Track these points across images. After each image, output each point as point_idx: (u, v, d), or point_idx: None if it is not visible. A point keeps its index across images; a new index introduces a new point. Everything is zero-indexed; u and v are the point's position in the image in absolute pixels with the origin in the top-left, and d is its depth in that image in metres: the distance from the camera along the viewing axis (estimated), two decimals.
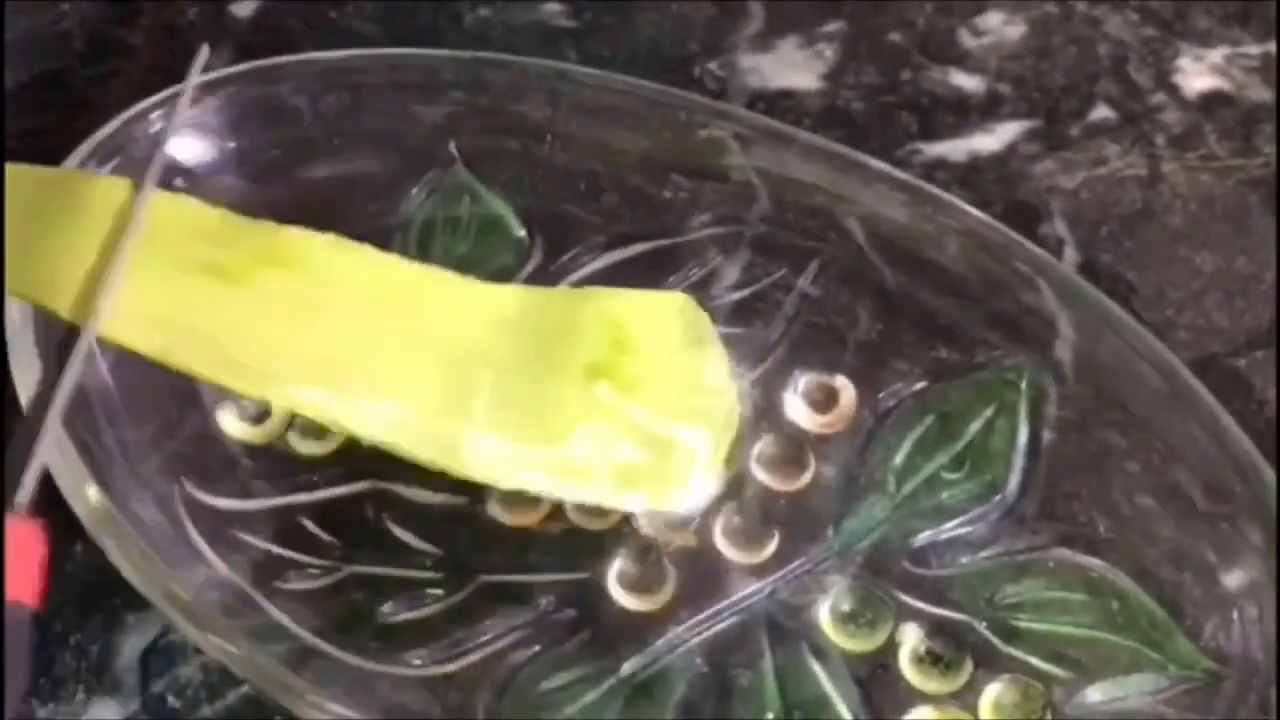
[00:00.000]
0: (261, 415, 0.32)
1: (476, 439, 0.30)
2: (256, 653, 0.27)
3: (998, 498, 0.31)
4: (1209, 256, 0.38)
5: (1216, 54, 0.43)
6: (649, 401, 0.31)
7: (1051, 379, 0.32)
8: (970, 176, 0.39)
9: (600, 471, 0.30)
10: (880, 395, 0.33)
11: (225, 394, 0.31)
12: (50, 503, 0.27)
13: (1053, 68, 0.42)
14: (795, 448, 0.32)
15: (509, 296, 0.32)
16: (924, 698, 0.29)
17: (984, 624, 0.30)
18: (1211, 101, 0.42)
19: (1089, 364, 0.32)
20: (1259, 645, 0.28)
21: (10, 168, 0.31)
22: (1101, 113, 0.41)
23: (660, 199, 0.35)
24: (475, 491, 0.30)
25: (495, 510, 0.31)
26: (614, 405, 0.30)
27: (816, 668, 0.29)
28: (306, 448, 0.31)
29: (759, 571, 0.30)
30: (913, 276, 0.34)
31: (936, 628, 0.30)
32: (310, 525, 0.30)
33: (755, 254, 0.35)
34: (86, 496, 0.28)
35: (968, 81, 0.42)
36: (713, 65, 0.42)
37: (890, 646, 0.29)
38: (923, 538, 0.31)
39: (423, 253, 0.35)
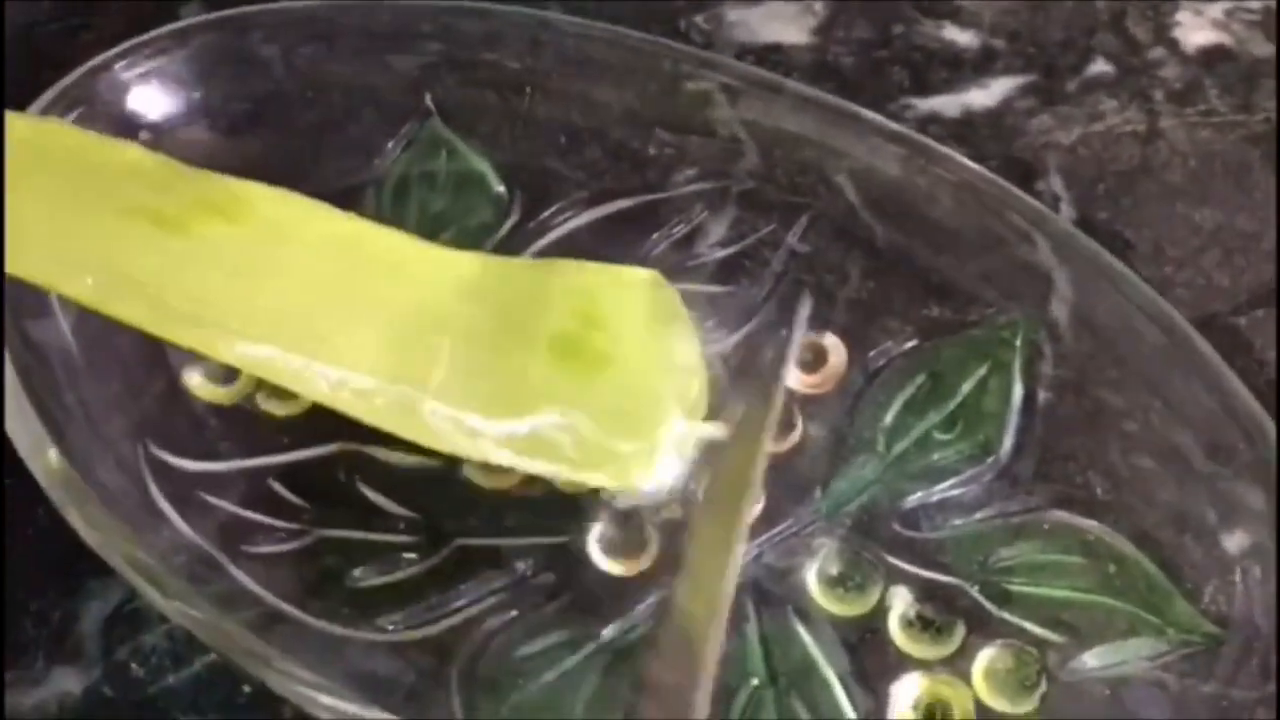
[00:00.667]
0: (230, 375, 0.31)
1: (434, 407, 0.28)
2: (223, 619, 0.26)
3: (991, 459, 0.30)
4: (1209, 214, 0.37)
5: (1216, 8, 0.42)
6: (616, 378, 0.30)
7: (1047, 337, 0.32)
8: (964, 132, 0.38)
9: (562, 447, 0.28)
10: (870, 354, 0.32)
11: (192, 354, 0.30)
12: (9, 466, 0.26)
13: (1048, 21, 0.41)
14: (783, 408, 0.31)
15: (472, 263, 0.31)
16: (914, 663, 0.28)
17: (976, 588, 0.29)
18: (1212, 56, 0.41)
19: (1086, 321, 0.31)
20: (1261, 609, 0.27)
21: None
22: (1099, 67, 0.40)
23: (644, 154, 0.34)
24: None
25: (471, 473, 0.29)
26: (579, 380, 0.29)
27: (803, 633, 0.28)
28: (275, 408, 0.30)
29: (746, 534, 0.29)
30: (905, 232, 0.33)
31: (927, 592, 0.29)
32: (279, 488, 0.29)
33: (742, 210, 0.34)
34: (46, 459, 0.27)
35: (961, 36, 0.41)
36: (699, 19, 0.41)
37: (879, 611, 0.28)
38: (913, 499, 0.30)
39: (398, 209, 0.34)
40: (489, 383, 0.29)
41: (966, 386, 0.31)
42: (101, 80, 0.32)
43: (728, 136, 0.34)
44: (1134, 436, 0.30)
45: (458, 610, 0.28)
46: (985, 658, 0.28)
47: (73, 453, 0.27)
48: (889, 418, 0.31)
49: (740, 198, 0.34)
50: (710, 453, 0.29)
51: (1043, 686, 0.27)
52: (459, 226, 0.33)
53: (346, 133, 0.34)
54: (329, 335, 0.29)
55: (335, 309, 0.29)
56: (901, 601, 0.29)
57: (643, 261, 0.33)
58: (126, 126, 0.32)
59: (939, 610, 0.28)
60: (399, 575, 0.28)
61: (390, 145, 0.34)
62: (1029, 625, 0.28)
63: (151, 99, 0.33)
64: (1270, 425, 0.29)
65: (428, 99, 0.34)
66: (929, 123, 0.38)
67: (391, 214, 0.33)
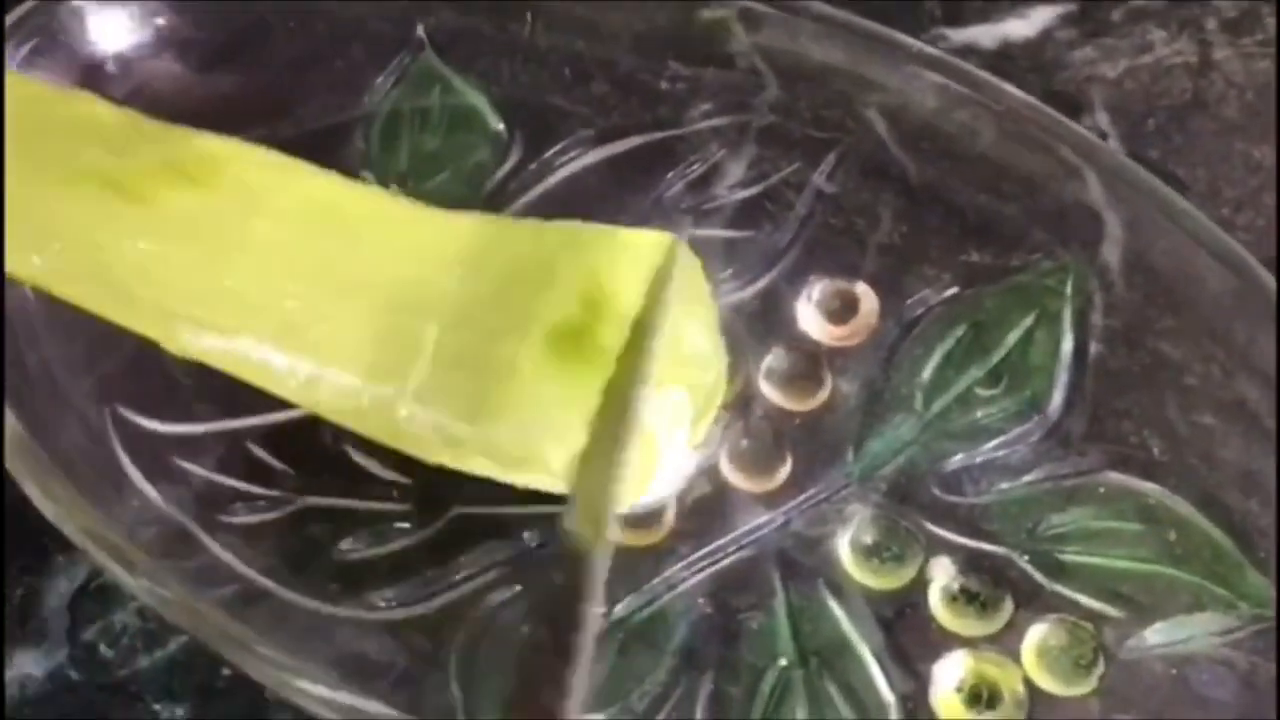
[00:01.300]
0: None
1: (413, 412, 0.25)
2: (197, 598, 0.24)
3: (1039, 416, 0.28)
4: (1268, 150, 0.34)
5: None
6: (616, 375, 0.25)
7: (1098, 283, 0.29)
8: (1002, 65, 0.36)
9: (551, 458, 0.25)
10: (905, 303, 0.29)
11: None
12: None
13: None
14: (810, 363, 0.28)
15: (466, 229, 0.27)
16: (958, 641, 0.25)
17: (1025, 558, 0.26)
18: None
19: (1141, 265, 0.29)
20: None
21: None
22: None
23: (656, 87, 0.31)
24: None
25: None
26: (576, 380, 0.26)
27: (835, 608, 0.26)
28: None
29: (770, 501, 0.27)
30: (941, 170, 0.30)
31: (972, 562, 0.26)
32: (260, 451, 0.27)
33: (763, 147, 0.31)
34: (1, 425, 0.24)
35: None
36: None
37: (919, 584, 0.26)
38: (955, 461, 0.27)
39: (388, 150, 0.31)
40: (475, 379, 0.26)
41: (1011, 338, 0.29)
42: (62, 8, 0.29)
43: (746, 67, 0.31)
44: (1195, 391, 0.28)
45: (456, 585, 0.26)
46: (1036, 634, 0.26)
47: (32, 417, 0.25)
48: (927, 372, 0.28)
49: (761, 134, 0.31)
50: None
51: (1100, 666, 0.25)
52: (454, 168, 0.31)
53: (332, 67, 0.31)
54: (303, 322, 0.26)
55: (311, 290, 0.26)
56: (943, 573, 0.26)
57: (655, 205, 0.30)
58: (88, 61, 0.29)
59: (984, 583, 0.26)
60: (391, 547, 0.26)
61: (379, 80, 0.31)
62: (1083, 599, 0.26)
63: (116, 30, 0.30)
64: None
65: (420, 29, 0.31)
66: (964, 55, 0.35)
67: (381, 155, 0.31)
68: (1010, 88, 0.29)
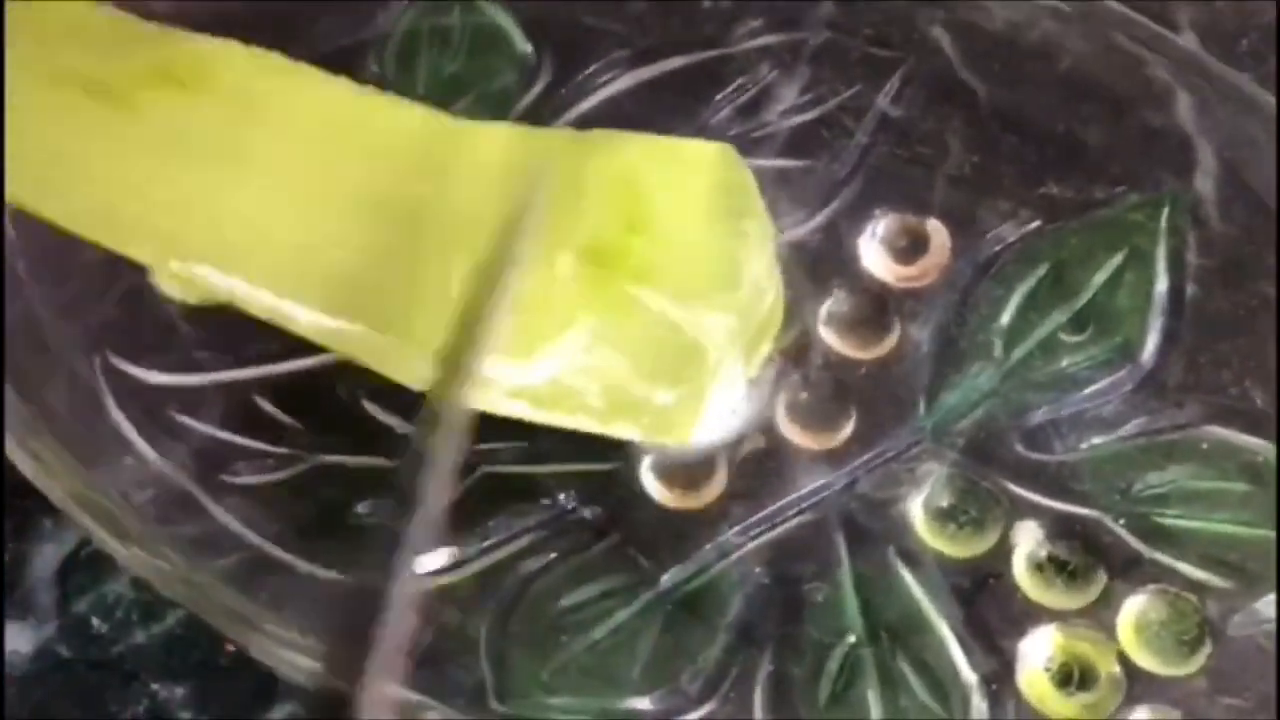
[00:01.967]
0: None
1: (430, 354, 0.22)
2: (197, 569, 0.21)
3: (1131, 365, 0.25)
4: None
5: None
6: (659, 301, 0.24)
7: (1190, 218, 0.26)
8: None
9: (590, 394, 0.23)
10: (980, 240, 0.26)
11: None
12: None
13: None
14: (875, 306, 0.26)
15: (492, 141, 0.25)
16: (1046, 614, 0.23)
17: (1120, 521, 0.24)
18: None
19: (1239, 196, 0.26)
20: None
21: None
22: None
23: (698, 2, 0.28)
24: None
25: None
26: (612, 305, 0.23)
27: (908, 578, 0.23)
28: None
29: (833, 459, 0.24)
30: (1014, 92, 0.27)
31: (1060, 527, 0.24)
32: (267, 405, 0.24)
33: (819, 69, 0.28)
34: None
35: None
36: None
37: (1001, 551, 0.23)
38: (1040, 415, 0.24)
39: (404, 73, 0.28)
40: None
41: (1098, 279, 0.26)
42: None
43: None
44: None
45: (485, 552, 0.23)
46: (1133, 607, 0.23)
47: (12, 368, 0.23)
48: (1006, 316, 0.25)
49: (816, 54, 0.28)
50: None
51: (1206, 643, 0.23)
52: (477, 93, 0.28)
53: None
54: (311, 248, 0.23)
55: (317, 215, 0.23)
56: (1029, 539, 0.23)
57: (700, 134, 0.27)
58: None
59: (1074, 550, 0.23)
60: None
61: None
62: (1185, 567, 0.23)
63: None
64: None
65: None
66: None
67: (396, 79, 0.28)
68: None
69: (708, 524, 0.24)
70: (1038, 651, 0.23)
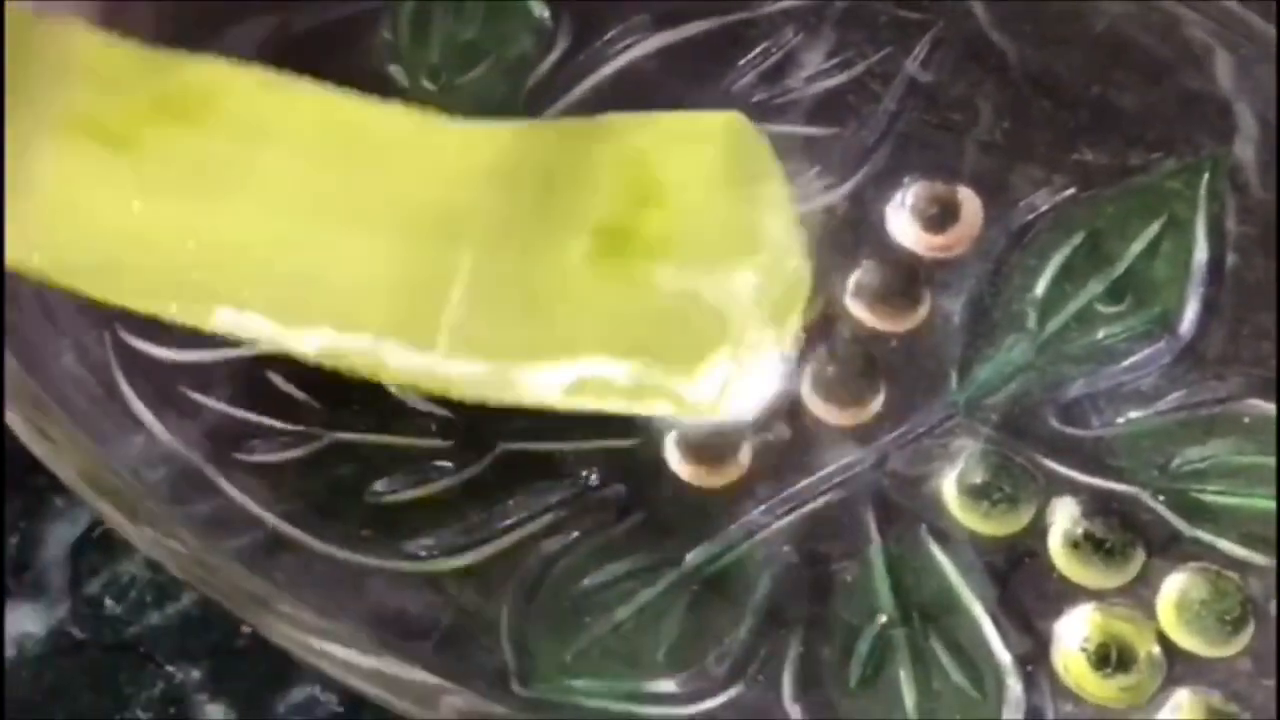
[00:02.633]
0: None
1: (449, 359, 0.22)
2: (210, 549, 0.21)
3: (1169, 336, 0.24)
4: None
5: None
6: (675, 276, 0.23)
7: (1229, 185, 0.25)
8: None
9: (614, 378, 0.22)
10: (1013, 208, 0.25)
11: None
12: None
13: None
14: (905, 276, 0.25)
15: (499, 141, 0.24)
16: (1083, 594, 0.22)
17: (1159, 498, 0.23)
18: None
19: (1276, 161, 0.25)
20: None
21: None
22: None
23: None
24: None
25: None
26: (628, 285, 0.23)
27: (941, 557, 0.22)
28: None
29: (862, 435, 0.23)
30: (1048, 55, 0.26)
31: (1097, 504, 0.23)
32: (282, 381, 0.24)
33: (845, 32, 0.27)
34: None
35: None
36: None
37: (1037, 529, 0.23)
38: (1076, 388, 0.24)
39: (417, 41, 0.27)
40: (517, 303, 0.22)
41: (1135, 248, 0.25)
42: None
43: None
44: None
45: (505, 531, 0.22)
46: (1174, 585, 0.22)
47: (21, 343, 0.22)
48: (1041, 287, 0.25)
49: (842, 17, 0.27)
50: None
51: (1250, 623, 0.22)
52: (493, 60, 0.27)
53: None
54: (322, 268, 0.22)
55: (326, 234, 0.23)
56: (1065, 516, 0.23)
57: (723, 100, 0.26)
58: None
59: (1112, 527, 0.23)
60: (431, 489, 0.23)
61: None
62: (1226, 544, 0.22)
63: None
64: None
65: None
66: None
67: (410, 47, 0.27)
68: None
69: (733, 502, 0.23)
70: (1074, 632, 0.22)
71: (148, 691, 0.23)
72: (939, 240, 0.25)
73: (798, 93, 0.27)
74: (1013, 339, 0.24)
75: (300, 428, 0.23)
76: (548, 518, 0.23)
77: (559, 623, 0.22)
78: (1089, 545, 0.23)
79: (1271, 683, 0.22)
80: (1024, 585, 0.22)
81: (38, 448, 0.21)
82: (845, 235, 0.25)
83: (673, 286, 0.23)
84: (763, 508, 0.23)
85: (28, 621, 0.23)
